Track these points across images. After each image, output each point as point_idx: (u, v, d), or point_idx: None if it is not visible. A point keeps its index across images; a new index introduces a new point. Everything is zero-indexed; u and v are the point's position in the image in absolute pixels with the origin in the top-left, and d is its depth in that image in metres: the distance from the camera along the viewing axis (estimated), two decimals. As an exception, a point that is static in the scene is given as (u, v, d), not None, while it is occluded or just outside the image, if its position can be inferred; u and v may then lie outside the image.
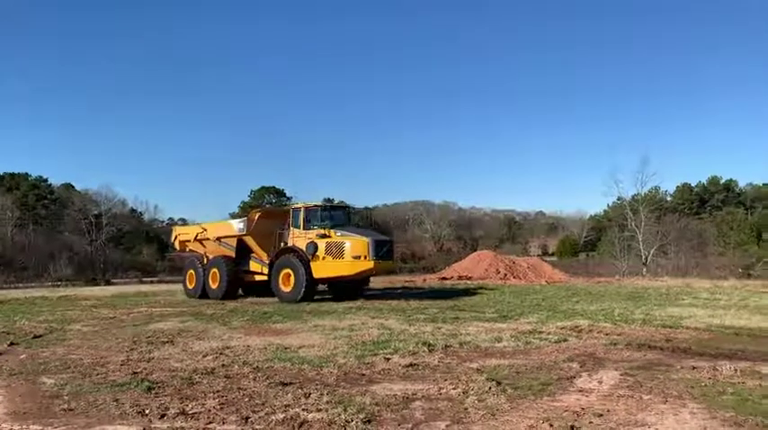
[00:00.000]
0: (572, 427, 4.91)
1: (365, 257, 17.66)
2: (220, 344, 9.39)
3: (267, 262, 19.27)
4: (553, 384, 6.43)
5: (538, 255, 41.41)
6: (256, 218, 19.86)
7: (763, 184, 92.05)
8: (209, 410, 5.51)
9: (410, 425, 5.04)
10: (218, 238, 20.78)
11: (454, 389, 6.23)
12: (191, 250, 22.71)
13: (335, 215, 19.61)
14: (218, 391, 6.20)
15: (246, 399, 5.88)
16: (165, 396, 6.08)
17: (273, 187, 73.01)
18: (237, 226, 20.25)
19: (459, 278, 31.23)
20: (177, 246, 23.45)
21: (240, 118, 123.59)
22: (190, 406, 5.66)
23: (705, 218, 77.54)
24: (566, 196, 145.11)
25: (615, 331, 10.45)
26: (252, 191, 73.73)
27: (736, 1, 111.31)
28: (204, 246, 21.50)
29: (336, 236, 18.14)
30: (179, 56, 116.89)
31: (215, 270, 20.19)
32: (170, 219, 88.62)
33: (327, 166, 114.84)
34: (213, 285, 20.09)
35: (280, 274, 18.42)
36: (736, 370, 6.97)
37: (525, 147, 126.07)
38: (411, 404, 5.68)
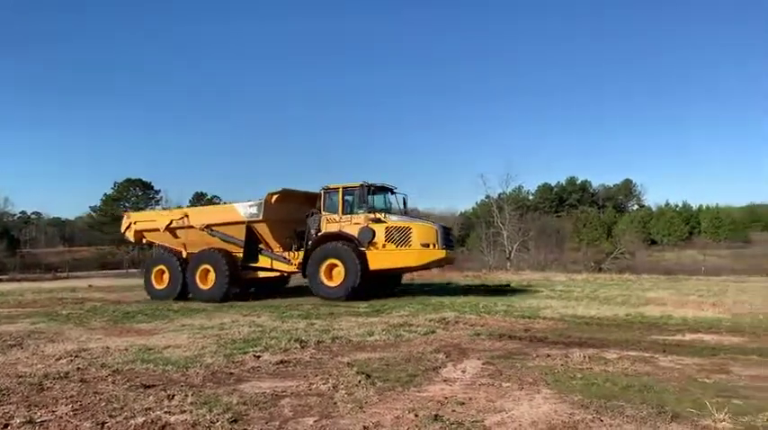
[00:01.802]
0: (436, 416, 5.08)
1: (434, 245, 15.88)
2: (76, 346, 8.75)
3: (281, 254, 17.09)
4: (420, 375, 6.63)
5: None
6: (273, 200, 16.94)
7: (614, 185, 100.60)
8: (61, 417, 5.12)
9: (278, 423, 4.98)
10: (209, 226, 17.51)
11: (324, 384, 6.24)
12: (151, 242, 19.63)
13: (378, 198, 17.21)
14: (71, 397, 5.78)
15: (103, 404, 5.52)
16: (10, 404, 5.57)
17: (140, 179, 69.43)
18: (247, 210, 16.99)
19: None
20: (131, 236, 19.49)
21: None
22: (38, 414, 5.22)
23: (563, 216, 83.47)
24: (440, 194, 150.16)
25: (479, 322, 10.99)
26: (116, 183, 69.68)
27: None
28: (178, 237, 18.17)
29: (395, 221, 16.26)
30: None
31: (207, 266, 16.98)
32: (22, 212, 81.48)
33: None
34: (203, 285, 16.96)
35: (321, 267, 16.00)
36: (585, 356, 7.54)
37: (402, 145, 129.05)
38: (280, 401, 5.61)
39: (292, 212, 17.14)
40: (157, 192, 69.34)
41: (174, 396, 5.74)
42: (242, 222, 17.03)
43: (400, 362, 7.38)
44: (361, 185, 16.48)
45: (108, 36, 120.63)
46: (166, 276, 17.80)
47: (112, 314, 13.29)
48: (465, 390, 5.99)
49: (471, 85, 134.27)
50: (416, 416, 5.09)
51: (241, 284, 17.34)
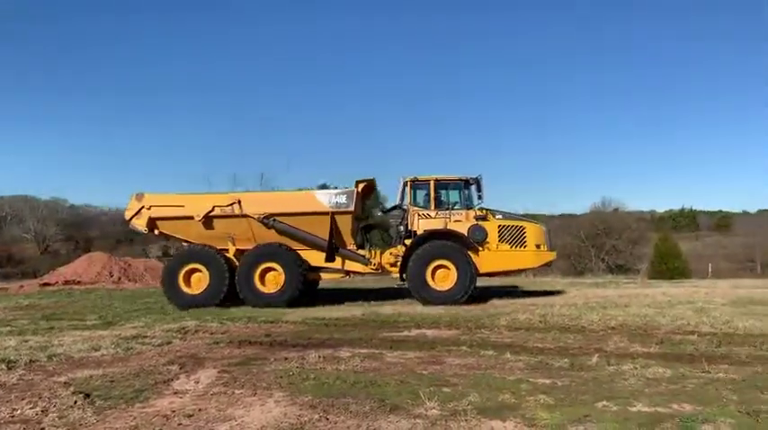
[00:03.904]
0: (159, 432, 4.82)
1: (543, 246, 15.05)
2: None
3: (355, 250, 15.18)
4: (149, 389, 6.24)
5: (157, 257, 40.15)
6: (361, 189, 14.97)
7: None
8: None
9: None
10: (272, 216, 14.71)
11: (32, 408, 5.53)
12: (166, 233, 15.76)
13: (469, 193, 15.46)
14: None
15: None
16: None
17: None
18: (333, 199, 14.65)
19: (66, 283, 28.18)
20: (141, 224, 15.40)
21: None
22: None
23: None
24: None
25: (221, 330, 10.74)
26: None
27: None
28: (213, 228, 15.00)
29: (500, 219, 15.04)
30: None
31: (272, 265, 14.60)
32: None
33: None
34: (265, 287, 14.60)
35: (427, 268, 14.35)
36: (320, 357, 7.81)
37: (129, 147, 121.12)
38: (-29, 434, 4.84)
39: (364, 204, 15.72)
40: None
41: None
42: (324, 213, 14.70)
43: (128, 377, 6.86)
44: (452, 178, 15.35)
45: None
46: (202, 277, 14.79)
47: None
48: (195, 402, 5.79)
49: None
50: (137, 434, 4.77)
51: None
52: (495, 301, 15.06)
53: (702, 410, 5.29)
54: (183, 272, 14.82)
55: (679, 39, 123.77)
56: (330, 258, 14.97)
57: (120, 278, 29.62)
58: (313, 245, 15.06)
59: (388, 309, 13.44)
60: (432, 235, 14.73)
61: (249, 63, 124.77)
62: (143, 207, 15.31)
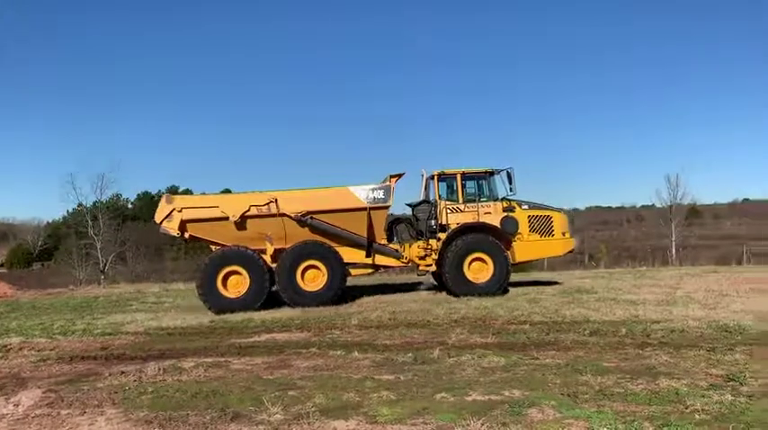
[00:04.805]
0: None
1: (567, 234, 15.70)
2: None
3: (386, 244, 15.04)
4: (-44, 418, 5.56)
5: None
6: (395, 184, 14.66)
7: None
8: None
9: None
10: (310, 214, 14.25)
11: None
12: (196, 236, 14.90)
13: (494, 184, 15.63)
14: None
15: None
16: None
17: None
18: (370, 194, 14.39)
19: None
20: (172, 227, 14.37)
21: None
22: None
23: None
24: (21, 201, 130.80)
25: (49, 346, 9.82)
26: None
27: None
28: (245, 229, 14.32)
29: (527, 209, 15.37)
30: None
31: (314, 262, 14.21)
32: None
33: None
34: (308, 286, 14.16)
35: (464, 261, 14.54)
36: (160, 369, 7.42)
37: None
38: None
39: None
40: None
41: None
42: (362, 209, 14.40)
43: (-69, 405, 6.07)
44: (487, 171, 15.53)
45: None
46: (241, 280, 14.09)
47: None
48: (13, 426, 5.26)
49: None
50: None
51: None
52: (350, 301, 15.18)
53: (530, 395, 5.71)
54: (221, 274, 14.08)
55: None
56: (368, 254, 14.98)
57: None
58: (348, 241, 14.86)
59: (238, 315, 13.06)
60: (466, 228, 14.96)
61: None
62: (174, 209, 14.48)
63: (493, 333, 9.37)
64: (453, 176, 15.48)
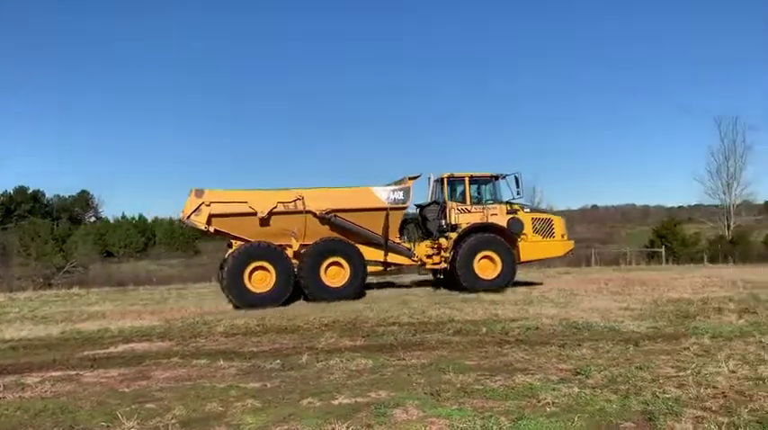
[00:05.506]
0: None
1: (565, 236, 16.85)
2: None
3: (399, 243, 15.88)
4: None
5: None
6: (411, 185, 15.50)
7: (69, 196, 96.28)
8: None
9: None
10: (334, 212, 14.88)
11: None
12: (221, 231, 14.78)
13: (499, 188, 16.84)
14: None
15: None
16: None
17: None
18: (391, 195, 15.25)
19: None
20: (200, 221, 14.38)
21: None
22: None
23: (11, 228, 75.08)
24: None
25: None
26: None
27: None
28: (269, 225, 14.66)
29: (529, 212, 16.75)
30: None
31: (337, 259, 14.77)
32: None
33: None
34: (331, 282, 14.67)
35: (474, 259, 15.55)
36: (1, 386, 6.74)
37: None
38: None
39: None
40: None
41: None
42: (382, 209, 15.17)
43: None
44: (492, 175, 16.61)
45: None
46: (267, 276, 14.39)
47: None
48: None
49: None
50: None
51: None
52: (213, 308, 14.67)
53: (396, 396, 5.80)
54: (248, 269, 14.24)
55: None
56: (385, 252, 15.56)
57: None
58: (365, 239, 15.37)
59: (92, 324, 12.17)
60: (475, 228, 15.85)
61: None
62: (203, 203, 14.57)
63: (362, 335, 9.47)
64: (461, 179, 16.55)
